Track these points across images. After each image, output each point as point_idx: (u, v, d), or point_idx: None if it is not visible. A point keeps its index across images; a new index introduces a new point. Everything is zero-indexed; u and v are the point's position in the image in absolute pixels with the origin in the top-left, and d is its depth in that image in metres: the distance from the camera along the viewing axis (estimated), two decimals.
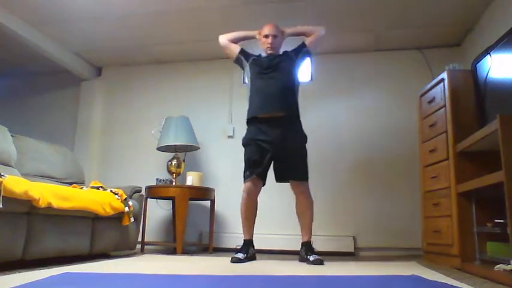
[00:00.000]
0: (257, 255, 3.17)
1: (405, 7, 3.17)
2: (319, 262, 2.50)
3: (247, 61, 2.91)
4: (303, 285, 1.73)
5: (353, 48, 3.87)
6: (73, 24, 3.54)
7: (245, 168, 2.74)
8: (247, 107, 3.95)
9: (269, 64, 2.80)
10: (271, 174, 2.80)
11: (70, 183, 3.09)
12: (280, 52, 2.91)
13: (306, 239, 2.69)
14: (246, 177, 2.72)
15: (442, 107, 2.71)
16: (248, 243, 2.74)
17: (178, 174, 3.68)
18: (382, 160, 3.67)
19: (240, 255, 2.61)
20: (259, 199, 2.81)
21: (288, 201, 3.63)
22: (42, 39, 3.70)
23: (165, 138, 3.63)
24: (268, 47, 2.86)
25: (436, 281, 1.74)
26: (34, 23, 3.51)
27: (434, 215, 2.74)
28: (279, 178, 2.78)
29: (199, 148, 3.79)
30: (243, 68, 2.98)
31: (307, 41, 2.91)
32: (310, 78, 3.96)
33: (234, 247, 3.60)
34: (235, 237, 3.66)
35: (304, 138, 2.76)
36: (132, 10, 3.29)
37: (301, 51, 2.88)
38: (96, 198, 2.56)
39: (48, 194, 2.11)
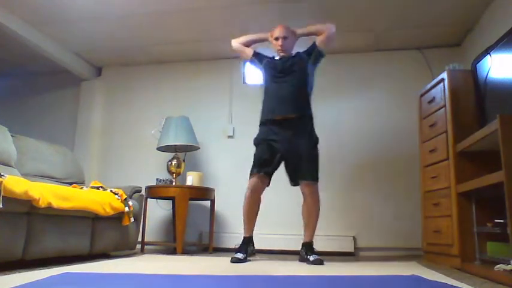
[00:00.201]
0: (257, 256, 3.18)
1: (405, 7, 3.17)
2: (319, 262, 2.50)
3: (261, 63, 2.91)
4: (303, 285, 1.73)
5: (353, 48, 3.87)
6: (73, 24, 3.54)
7: (253, 166, 2.72)
8: (247, 107, 3.99)
9: (282, 67, 2.80)
10: (276, 175, 2.80)
11: (70, 183, 3.09)
12: (293, 53, 2.88)
13: (307, 240, 2.69)
14: (252, 173, 2.70)
15: (442, 107, 2.71)
16: (247, 241, 2.74)
17: (178, 174, 3.68)
18: (382, 160, 3.66)
19: (240, 255, 2.60)
20: (261, 197, 2.80)
21: (288, 201, 3.64)
22: (42, 39, 3.70)
23: (165, 138, 3.63)
24: (279, 49, 2.86)
25: (436, 281, 1.74)
26: (34, 23, 3.50)
27: (434, 215, 2.74)
28: (292, 179, 2.77)
29: (199, 148, 3.79)
30: (258, 69, 2.97)
31: (318, 40, 2.86)
32: None
33: (234, 247, 3.62)
34: (235, 237, 3.66)
35: (315, 139, 2.76)
36: (132, 10, 3.29)
37: (312, 51, 2.85)
38: (96, 198, 2.56)
39: (48, 194, 2.11)
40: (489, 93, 2.41)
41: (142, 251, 3.32)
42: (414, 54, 3.80)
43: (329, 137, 3.77)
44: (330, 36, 2.84)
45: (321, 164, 2.73)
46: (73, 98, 4.44)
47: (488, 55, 2.41)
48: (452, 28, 3.47)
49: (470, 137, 2.30)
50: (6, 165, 2.61)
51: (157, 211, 3.83)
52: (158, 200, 3.74)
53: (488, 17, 3.10)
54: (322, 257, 2.58)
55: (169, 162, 3.67)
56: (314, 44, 2.88)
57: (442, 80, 2.73)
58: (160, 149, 3.75)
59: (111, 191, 2.81)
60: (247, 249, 2.70)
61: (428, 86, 2.95)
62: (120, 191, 2.84)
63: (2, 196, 1.80)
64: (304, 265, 2.50)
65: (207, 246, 3.49)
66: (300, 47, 2.93)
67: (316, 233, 2.75)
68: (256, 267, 2.32)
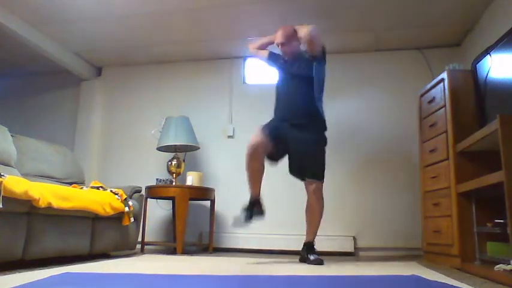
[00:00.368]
0: (257, 255, 3.18)
1: (405, 7, 3.17)
2: (319, 262, 2.50)
3: (276, 64, 2.92)
4: (303, 285, 1.73)
5: (353, 48, 3.87)
6: (73, 24, 3.54)
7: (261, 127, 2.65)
8: (247, 107, 4.00)
9: (289, 71, 2.79)
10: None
11: (70, 183, 3.10)
12: (300, 53, 2.79)
13: (309, 239, 2.68)
14: (256, 132, 2.61)
15: (442, 107, 2.71)
16: (252, 203, 2.64)
17: (178, 174, 3.68)
18: (382, 160, 3.66)
19: (242, 218, 2.57)
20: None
21: (289, 201, 3.65)
22: (42, 39, 3.70)
23: (165, 138, 3.63)
24: (283, 54, 2.85)
25: (436, 281, 1.74)
26: (34, 23, 3.50)
27: (434, 215, 2.74)
28: (292, 170, 2.77)
29: (199, 148, 3.79)
30: (275, 68, 2.96)
31: (307, 48, 2.74)
32: None
33: (234, 247, 3.63)
34: (235, 237, 3.67)
35: (323, 139, 2.74)
36: (132, 10, 3.29)
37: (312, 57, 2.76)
38: (96, 198, 2.56)
39: (48, 194, 2.11)
40: (489, 93, 2.41)
41: (142, 251, 3.32)
42: (414, 54, 3.80)
43: (329, 137, 3.75)
44: (312, 42, 2.62)
45: None
46: (73, 98, 4.44)
47: (488, 55, 2.41)
48: (452, 28, 3.47)
49: (470, 137, 2.30)
50: (6, 165, 2.61)
51: (157, 211, 3.83)
52: (158, 200, 3.74)
53: (488, 17, 3.10)
54: (322, 257, 2.58)
55: (169, 162, 3.67)
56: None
57: (442, 80, 2.73)
58: (160, 149, 3.75)
59: (111, 191, 2.81)
60: (251, 211, 2.61)
61: (428, 86, 2.95)
62: (120, 191, 2.84)
63: (2, 196, 1.80)
64: (304, 265, 2.50)
65: (207, 246, 3.49)
66: None
67: None
68: (256, 267, 2.32)
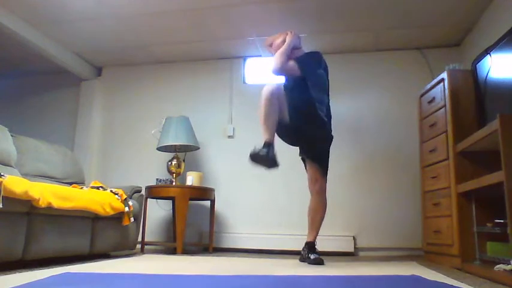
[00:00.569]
0: (257, 255, 3.18)
1: (405, 7, 3.17)
2: (319, 261, 2.50)
3: None
4: (303, 285, 1.73)
5: (353, 48, 3.87)
6: (73, 24, 3.54)
7: None
8: (247, 107, 4.00)
9: (287, 81, 2.79)
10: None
11: (70, 183, 3.10)
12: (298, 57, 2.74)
13: (310, 239, 2.69)
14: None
15: (442, 107, 2.71)
16: (267, 145, 2.38)
17: (178, 174, 3.68)
18: (382, 160, 3.66)
19: (262, 151, 2.30)
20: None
21: (289, 201, 3.65)
22: (42, 39, 3.70)
23: (165, 138, 3.63)
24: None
25: (436, 281, 1.74)
26: (34, 23, 3.51)
27: (434, 215, 2.74)
28: (301, 152, 2.81)
29: (199, 148, 3.79)
30: None
31: None
32: None
33: (234, 247, 3.63)
34: (235, 237, 3.67)
35: (329, 135, 2.74)
36: (132, 10, 3.29)
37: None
38: (96, 198, 2.56)
39: (48, 194, 2.11)
40: (489, 93, 2.41)
41: (142, 251, 3.32)
42: (414, 54, 3.80)
43: None
44: (279, 73, 2.69)
45: None
46: (73, 98, 4.44)
47: (488, 55, 2.41)
48: (452, 28, 3.47)
49: (470, 137, 2.30)
50: (6, 165, 2.61)
51: (157, 211, 3.83)
52: (158, 200, 3.74)
53: (488, 17, 3.10)
54: (322, 257, 2.58)
55: (169, 162, 3.67)
56: None
57: (442, 80, 2.73)
58: (160, 149, 3.75)
59: (111, 191, 2.81)
60: (269, 149, 2.35)
61: (428, 86, 2.95)
62: (120, 191, 2.84)
63: (2, 196, 1.80)
64: (304, 265, 2.50)
65: (207, 246, 3.49)
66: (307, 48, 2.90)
67: None
68: (256, 267, 2.32)
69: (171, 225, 3.76)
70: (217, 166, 3.96)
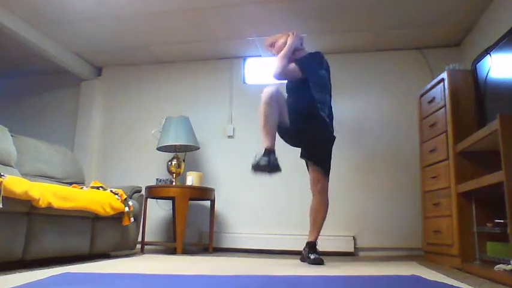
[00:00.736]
0: (257, 255, 3.18)
1: (405, 7, 3.17)
2: (319, 261, 2.50)
3: None
4: (303, 285, 1.73)
5: (353, 48, 3.87)
6: (73, 24, 3.54)
7: None
8: (247, 107, 4.00)
9: (289, 83, 2.79)
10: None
11: (70, 183, 3.10)
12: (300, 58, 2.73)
13: (311, 239, 2.68)
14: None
15: (442, 107, 2.71)
16: (268, 152, 2.37)
17: (178, 174, 3.68)
18: (382, 160, 3.66)
19: (264, 161, 2.29)
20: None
21: (289, 201, 3.65)
22: (42, 39, 3.70)
23: (165, 138, 3.63)
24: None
25: (436, 281, 1.74)
26: (34, 23, 3.50)
27: (434, 215, 2.74)
28: (302, 155, 2.80)
29: (199, 148, 3.79)
30: None
31: None
32: None
33: (234, 247, 3.63)
34: (235, 237, 3.67)
35: (330, 136, 2.74)
36: (132, 10, 3.29)
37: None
38: (96, 198, 2.56)
39: (48, 194, 2.11)
40: (489, 93, 2.41)
41: (142, 251, 3.32)
42: (414, 54, 3.80)
43: None
44: (280, 77, 2.68)
45: None
46: (73, 98, 4.44)
47: (488, 55, 2.41)
48: (452, 28, 3.47)
49: (470, 137, 2.30)
50: (6, 165, 2.61)
51: (157, 211, 3.83)
52: (158, 200, 3.74)
53: (488, 17, 3.10)
54: (322, 257, 2.58)
55: (169, 162, 3.67)
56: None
57: (442, 80, 2.73)
58: (160, 149, 3.75)
59: (111, 191, 2.81)
60: (270, 157, 2.34)
61: (428, 86, 2.95)
62: (120, 191, 2.84)
63: (2, 196, 1.80)
64: (304, 265, 2.50)
65: (207, 246, 3.49)
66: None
67: None
68: (256, 267, 2.32)
69: (171, 225, 3.76)
70: (217, 166, 3.96)
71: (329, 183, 2.73)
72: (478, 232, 2.32)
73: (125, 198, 2.83)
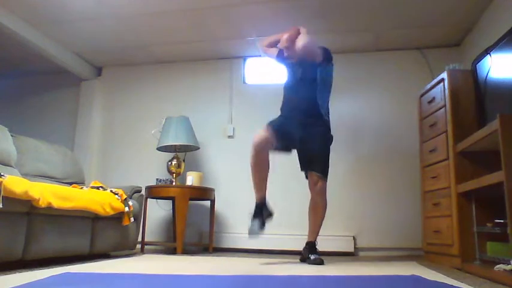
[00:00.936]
0: (257, 255, 3.18)
1: (405, 7, 3.17)
2: (319, 261, 2.50)
3: (285, 63, 2.90)
4: (302, 285, 1.73)
5: (353, 48, 3.87)
6: (73, 24, 3.54)
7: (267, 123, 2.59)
8: (247, 107, 4.00)
9: (294, 74, 2.80)
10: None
11: (70, 183, 3.09)
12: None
13: (311, 239, 2.69)
14: (261, 129, 2.53)
15: (442, 107, 2.71)
16: (260, 206, 2.53)
17: (178, 174, 3.68)
18: (382, 160, 3.66)
19: (256, 226, 2.44)
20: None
21: (289, 201, 3.64)
22: (42, 39, 3.70)
23: (165, 138, 3.63)
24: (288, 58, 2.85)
25: (436, 281, 1.74)
26: (34, 23, 3.50)
27: (434, 215, 2.74)
28: (302, 167, 2.79)
29: (199, 148, 3.79)
30: (284, 66, 2.94)
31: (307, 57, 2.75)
32: None
33: (234, 247, 3.63)
34: (235, 237, 3.67)
35: (329, 137, 2.75)
36: (132, 10, 3.29)
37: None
38: (96, 198, 2.56)
39: (48, 194, 2.11)
40: (489, 93, 2.41)
41: (142, 251, 3.32)
42: (414, 54, 3.80)
43: None
44: (308, 55, 2.69)
45: None
46: (73, 98, 4.44)
47: (488, 55, 2.41)
48: (452, 28, 3.47)
49: (470, 137, 2.30)
50: (6, 165, 2.61)
51: (157, 211, 3.83)
52: (158, 200, 3.74)
53: (488, 17, 3.10)
54: (322, 257, 2.58)
55: (169, 162, 3.67)
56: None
57: (442, 80, 2.73)
58: (160, 149, 3.75)
59: (111, 191, 2.81)
60: (262, 215, 2.50)
61: (428, 86, 2.95)
62: (120, 191, 2.84)
63: (2, 196, 1.80)
64: (304, 265, 2.50)
65: (207, 246, 3.49)
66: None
67: None
68: (256, 267, 2.32)
69: (171, 225, 3.76)
70: (217, 166, 3.96)
71: (329, 182, 2.73)
72: (478, 232, 2.32)
73: (125, 198, 2.83)
